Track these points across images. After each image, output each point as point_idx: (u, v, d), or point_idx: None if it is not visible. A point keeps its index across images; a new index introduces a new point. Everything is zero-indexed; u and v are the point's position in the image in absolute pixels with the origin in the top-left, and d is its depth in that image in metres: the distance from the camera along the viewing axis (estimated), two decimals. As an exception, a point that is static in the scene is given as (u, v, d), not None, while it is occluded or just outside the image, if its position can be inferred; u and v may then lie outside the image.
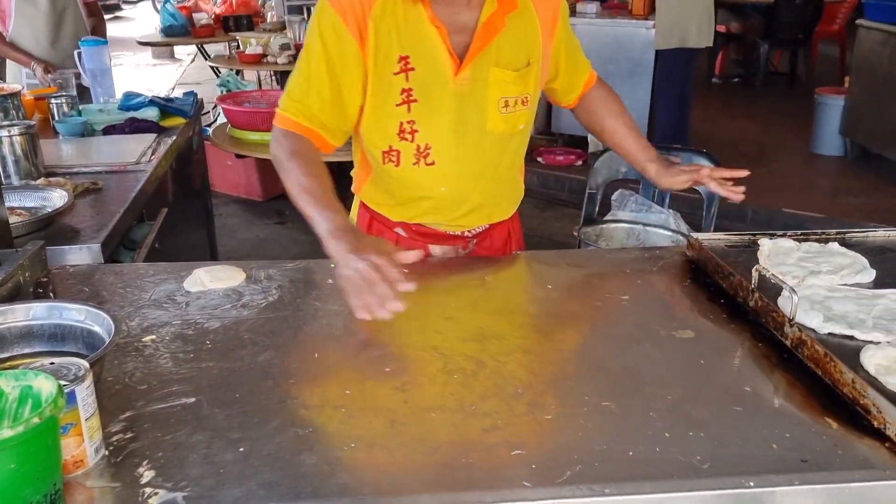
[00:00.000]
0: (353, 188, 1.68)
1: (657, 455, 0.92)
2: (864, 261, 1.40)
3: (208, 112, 5.04)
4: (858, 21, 5.51)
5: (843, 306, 1.22)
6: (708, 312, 1.31)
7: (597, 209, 2.55)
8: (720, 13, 5.21)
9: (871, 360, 1.05)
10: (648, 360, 1.16)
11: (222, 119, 3.46)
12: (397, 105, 1.46)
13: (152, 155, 2.29)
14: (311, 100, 1.44)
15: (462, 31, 1.45)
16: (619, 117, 1.73)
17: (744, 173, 1.60)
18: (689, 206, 3.29)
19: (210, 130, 3.47)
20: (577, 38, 1.68)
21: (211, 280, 1.40)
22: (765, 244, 1.47)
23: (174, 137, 2.51)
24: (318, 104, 1.44)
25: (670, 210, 2.48)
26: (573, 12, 5.79)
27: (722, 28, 6.55)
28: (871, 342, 1.11)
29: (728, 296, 1.34)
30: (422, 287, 1.43)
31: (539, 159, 5.55)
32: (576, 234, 2.41)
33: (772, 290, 1.23)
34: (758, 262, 1.35)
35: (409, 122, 1.48)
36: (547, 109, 5.72)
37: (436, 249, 1.64)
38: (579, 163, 5.47)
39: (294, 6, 6.40)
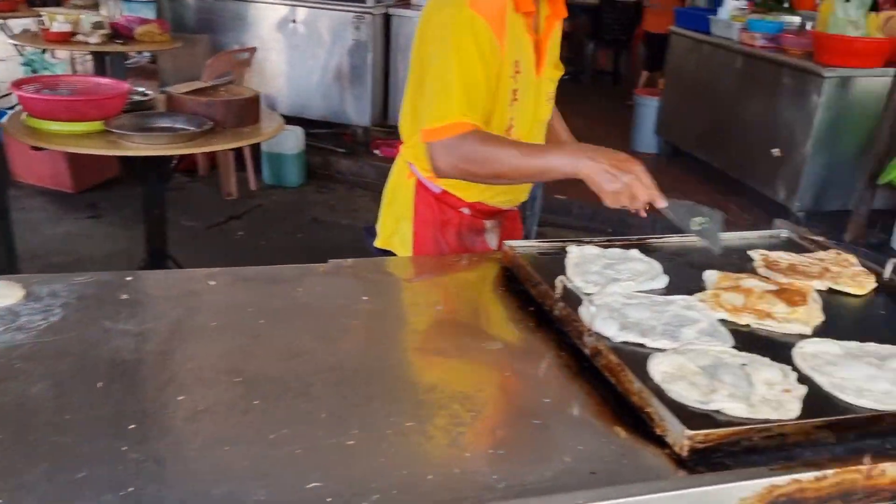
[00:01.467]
0: (419, 176, 1.76)
1: (456, 477, 0.91)
2: (660, 267, 1.47)
3: (9, 94, 4.53)
4: (671, 28, 5.92)
5: (638, 313, 1.27)
6: (519, 321, 1.33)
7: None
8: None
9: (657, 368, 1.10)
10: (456, 374, 1.16)
11: (23, 103, 3.10)
12: (509, 105, 1.62)
13: (-77, 148, 2.01)
14: (475, 100, 1.54)
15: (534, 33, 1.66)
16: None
17: None
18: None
19: (6, 116, 3.10)
20: None
21: (-21, 299, 1.24)
22: (572, 251, 1.52)
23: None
24: (479, 102, 1.55)
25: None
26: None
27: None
28: (658, 350, 1.17)
29: (538, 304, 1.37)
30: (226, 302, 1.36)
31: (376, 151, 5.51)
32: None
33: (577, 298, 1.27)
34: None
35: (510, 119, 1.64)
36: (383, 100, 5.69)
37: (488, 224, 1.82)
38: (416, 156, 5.49)
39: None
